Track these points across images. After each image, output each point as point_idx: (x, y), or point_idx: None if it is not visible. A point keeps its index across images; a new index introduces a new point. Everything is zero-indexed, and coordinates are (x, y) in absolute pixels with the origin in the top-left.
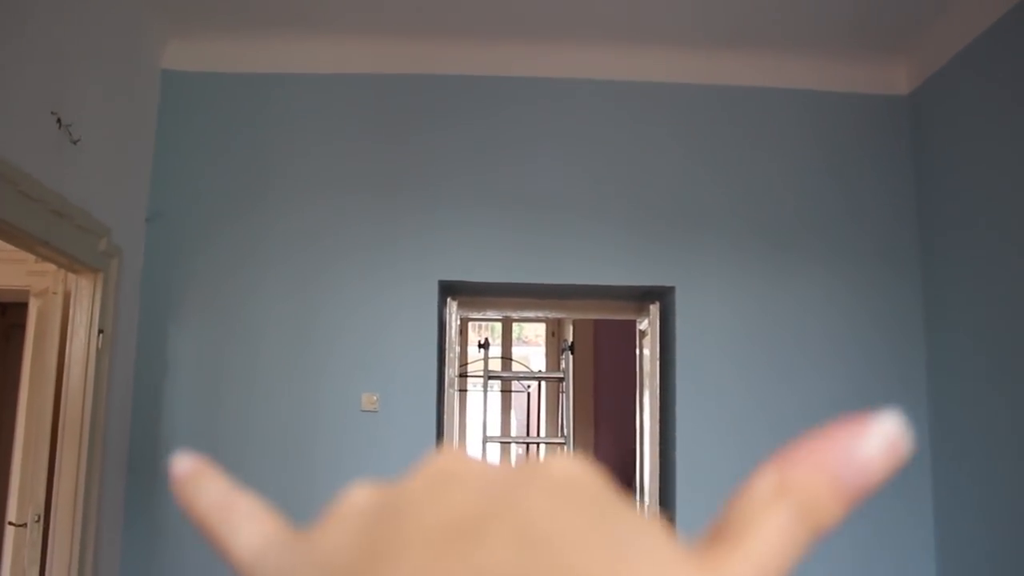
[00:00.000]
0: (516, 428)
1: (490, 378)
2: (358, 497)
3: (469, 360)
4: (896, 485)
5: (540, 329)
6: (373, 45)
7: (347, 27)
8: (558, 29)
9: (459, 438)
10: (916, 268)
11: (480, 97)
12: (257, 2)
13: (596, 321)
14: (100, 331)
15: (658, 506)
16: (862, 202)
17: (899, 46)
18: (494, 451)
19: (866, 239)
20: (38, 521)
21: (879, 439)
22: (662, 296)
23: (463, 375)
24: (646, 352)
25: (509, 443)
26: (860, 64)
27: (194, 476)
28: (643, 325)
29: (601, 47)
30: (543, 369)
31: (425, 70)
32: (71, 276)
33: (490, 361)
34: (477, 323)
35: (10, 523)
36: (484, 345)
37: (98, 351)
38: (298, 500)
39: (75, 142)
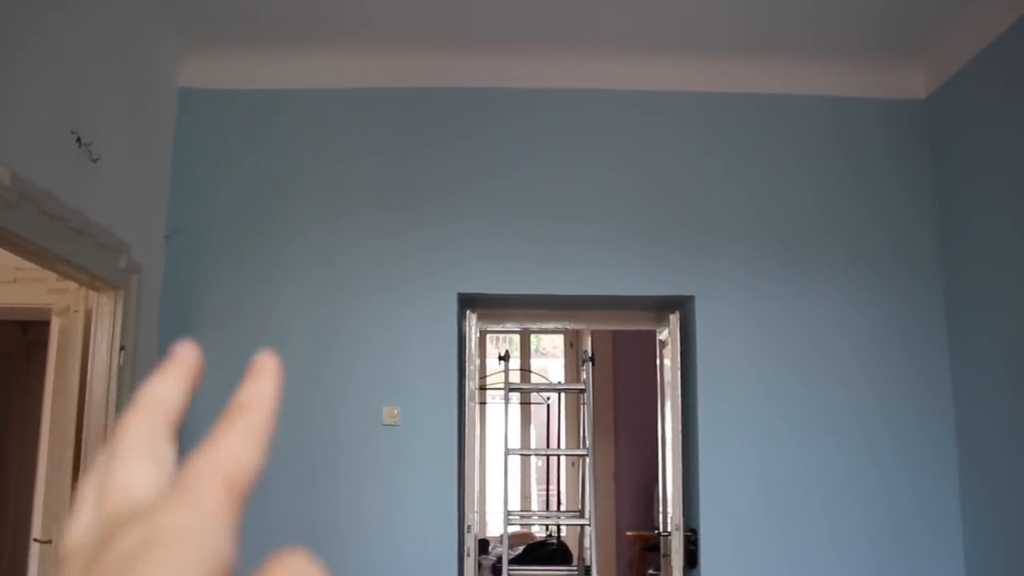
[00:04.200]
0: (536, 440)
1: (511, 390)
2: None
3: (488, 373)
4: (922, 491)
5: (558, 340)
6: (388, 59)
7: (361, 42)
8: (574, 40)
9: (480, 451)
10: (937, 272)
11: (496, 109)
12: (272, 19)
13: (614, 331)
14: (122, 348)
15: (681, 518)
16: (882, 207)
17: (916, 50)
18: (515, 463)
19: (887, 244)
20: None
21: None
22: (682, 305)
23: (483, 388)
24: (666, 362)
25: (530, 455)
26: (878, 69)
27: None
28: (663, 335)
29: (617, 56)
30: (562, 380)
31: (440, 83)
32: (92, 294)
33: (510, 374)
34: (495, 336)
35: (35, 540)
36: (504, 357)
37: (120, 368)
38: (321, 516)
39: (95, 160)
